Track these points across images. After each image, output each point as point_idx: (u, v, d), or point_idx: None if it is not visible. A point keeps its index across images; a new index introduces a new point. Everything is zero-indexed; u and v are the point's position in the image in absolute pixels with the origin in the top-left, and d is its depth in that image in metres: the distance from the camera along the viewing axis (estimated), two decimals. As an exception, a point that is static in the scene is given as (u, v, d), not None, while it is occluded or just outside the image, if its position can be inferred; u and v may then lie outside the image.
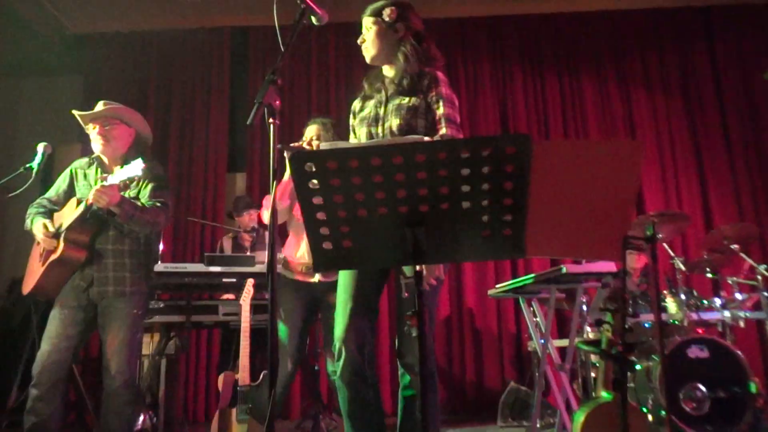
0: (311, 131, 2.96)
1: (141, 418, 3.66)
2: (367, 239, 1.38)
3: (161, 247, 4.36)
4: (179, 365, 4.49)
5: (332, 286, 2.85)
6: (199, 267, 3.59)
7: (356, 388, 2.07)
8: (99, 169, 2.81)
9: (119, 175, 2.54)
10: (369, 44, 2.26)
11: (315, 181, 1.27)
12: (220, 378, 3.50)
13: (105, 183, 2.55)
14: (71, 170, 2.86)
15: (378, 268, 2.14)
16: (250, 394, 3.20)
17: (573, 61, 5.76)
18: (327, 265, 1.43)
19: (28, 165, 2.83)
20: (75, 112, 2.83)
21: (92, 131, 2.80)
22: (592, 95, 5.68)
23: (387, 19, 2.23)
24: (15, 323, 4.26)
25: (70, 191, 2.82)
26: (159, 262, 4.03)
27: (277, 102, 1.73)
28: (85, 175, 2.82)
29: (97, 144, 2.79)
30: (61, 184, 2.85)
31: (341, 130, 2.94)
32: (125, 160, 2.77)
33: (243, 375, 3.22)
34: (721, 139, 5.53)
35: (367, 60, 2.29)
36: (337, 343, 2.09)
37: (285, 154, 2.79)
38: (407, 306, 2.09)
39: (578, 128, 5.62)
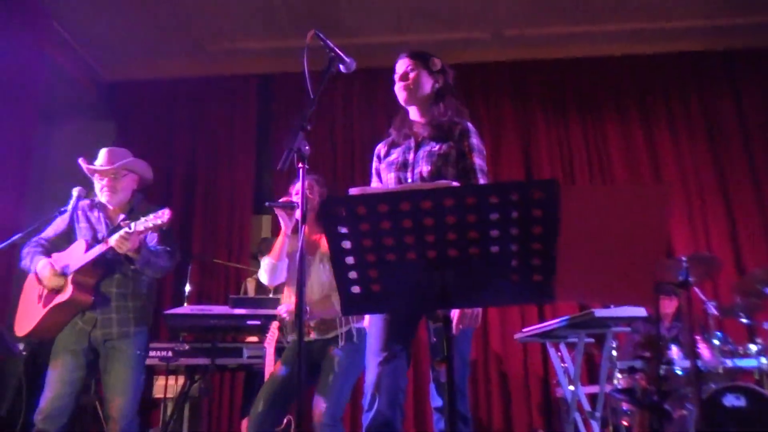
0: (300, 186, 2.96)
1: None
2: (395, 283, 1.38)
3: (188, 288, 4.42)
4: (203, 408, 4.47)
5: (325, 342, 2.83)
6: (224, 309, 3.61)
7: None
8: (102, 214, 2.85)
9: (143, 222, 2.58)
10: (412, 84, 2.29)
11: (344, 226, 1.28)
12: (244, 422, 3.46)
13: (129, 230, 2.58)
14: (72, 212, 2.87)
15: (406, 312, 2.12)
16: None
17: (596, 104, 5.78)
18: (355, 309, 1.44)
19: (62, 209, 2.89)
20: (84, 165, 2.84)
21: (99, 180, 2.84)
22: (616, 139, 5.67)
23: (432, 68, 2.31)
24: (41, 363, 4.29)
25: (69, 232, 2.84)
26: (185, 303, 4.08)
27: (307, 147, 1.78)
28: (87, 218, 2.84)
29: (104, 195, 2.83)
30: (60, 224, 2.86)
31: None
32: (130, 206, 2.87)
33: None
34: (749, 181, 5.45)
35: (402, 99, 2.31)
36: (369, 391, 2.06)
37: (278, 212, 2.81)
38: (436, 351, 2.07)
39: (603, 172, 5.59)
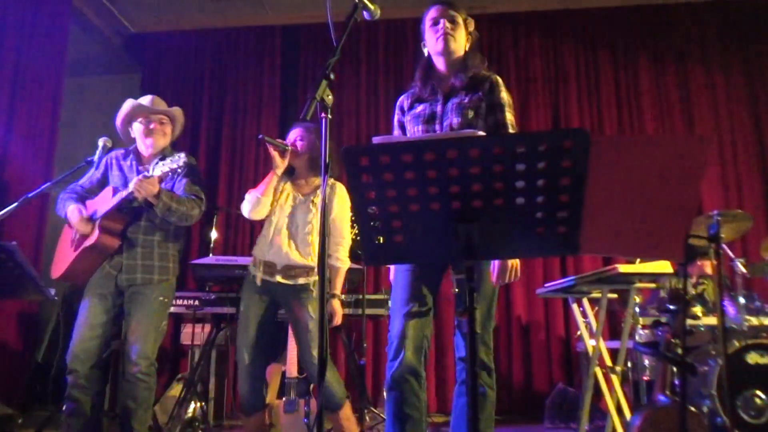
0: (294, 134, 2.99)
1: (192, 406, 3.77)
2: (418, 234, 1.37)
3: (214, 236, 4.48)
4: (229, 356, 4.60)
5: (293, 289, 2.85)
6: (249, 260, 3.65)
7: (410, 389, 2.06)
8: (135, 162, 2.87)
9: (161, 166, 2.59)
10: (456, 37, 2.26)
11: (367, 175, 1.27)
12: (268, 369, 3.56)
13: (147, 174, 2.60)
14: (107, 160, 2.92)
15: (429, 263, 2.13)
16: (298, 386, 3.25)
17: (630, 56, 5.59)
18: (378, 259, 1.43)
19: (89, 158, 2.94)
20: (130, 103, 2.87)
21: (146, 125, 2.85)
22: (649, 91, 5.50)
23: (469, 27, 2.32)
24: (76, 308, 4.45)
25: (103, 180, 2.89)
26: (211, 254, 4.15)
27: (330, 96, 1.75)
28: (120, 166, 2.87)
29: (151, 138, 2.84)
30: (94, 172, 2.91)
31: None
32: (163, 154, 2.86)
33: (290, 367, 3.27)
34: (787, 137, 5.27)
35: (440, 47, 2.24)
36: (395, 341, 2.08)
37: (270, 149, 2.84)
38: (459, 301, 2.08)
39: (633, 125, 5.46)
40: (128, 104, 2.89)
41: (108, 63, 6.32)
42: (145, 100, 2.92)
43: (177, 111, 2.97)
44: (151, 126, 2.86)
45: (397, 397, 2.07)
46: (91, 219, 2.74)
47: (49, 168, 4.69)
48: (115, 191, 2.73)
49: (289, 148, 2.88)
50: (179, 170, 2.64)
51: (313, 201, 2.91)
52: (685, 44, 5.57)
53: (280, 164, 2.86)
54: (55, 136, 4.81)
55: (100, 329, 2.72)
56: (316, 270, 2.87)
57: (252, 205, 2.84)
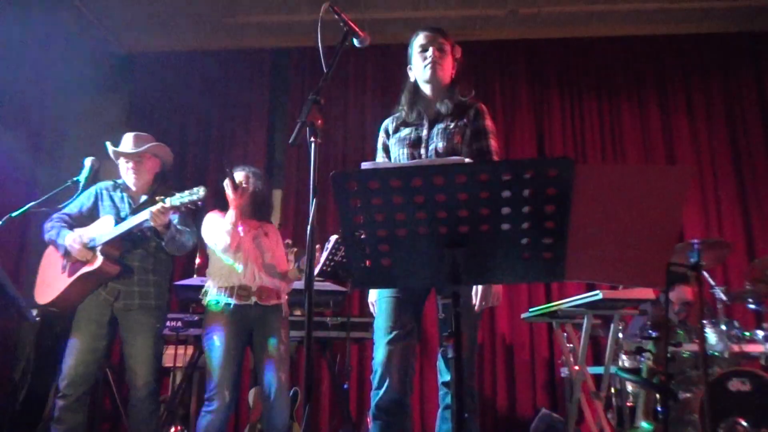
0: (239, 176, 3.07)
1: (173, 430, 3.70)
2: (406, 259, 1.38)
3: (197, 260, 4.46)
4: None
5: (267, 311, 2.92)
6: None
7: (394, 417, 2.06)
8: (125, 194, 2.97)
9: (179, 198, 2.66)
10: (444, 65, 2.30)
11: (356, 200, 1.28)
12: (251, 393, 3.54)
13: (165, 204, 2.66)
14: (96, 191, 3.00)
15: (416, 287, 2.14)
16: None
17: (613, 86, 5.71)
18: (365, 283, 1.45)
19: (75, 178, 2.94)
20: (110, 147, 2.96)
21: (124, 164, 2.96)
22: (632, 120, 5.60)
23: (455, 54, 2.35)
24: (57, 331, 4.35)
25: (93, 210, 2.96)
26: (195, 275, 4.12)
27: (319, 121, 1.77)
28: (111, 197, 2.96)
29: (130, 177, 2.96)
30: (84, 202, 2.97)
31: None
32: (152, 188, 2.98)
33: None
34: (766, 167, 5.38)
35: (427, 74, 2.28)
36: (379, 369, 2.08)
37: (228, 182, 2.94)
38: (444, 326, 2.09)
39: (616, 154, 5.54)
40: (110, 149, 2.97)
41: (96, 83, 6.29)
42: (126, 141, 2.98)
43: (154, 149, 3.00)
44: (129, 165, 2.95)
45: (382, 426, 2.07)
46: (91, 248, 2.78)
47: (34, 188, 4.65)
48: (117, 221, 2.80)
49: (240, 187, 2.96)
50: (200, 204, 2.70)
51: (265, 233, 3.06)
52: (668, 75, 5.69)
53: (239, 199, 2.93)
54: (40, 155, 4.79)
55: (96, 354, 2.78)
56: (285, 291, 3.02)
57: (231, 237, 2.87)
